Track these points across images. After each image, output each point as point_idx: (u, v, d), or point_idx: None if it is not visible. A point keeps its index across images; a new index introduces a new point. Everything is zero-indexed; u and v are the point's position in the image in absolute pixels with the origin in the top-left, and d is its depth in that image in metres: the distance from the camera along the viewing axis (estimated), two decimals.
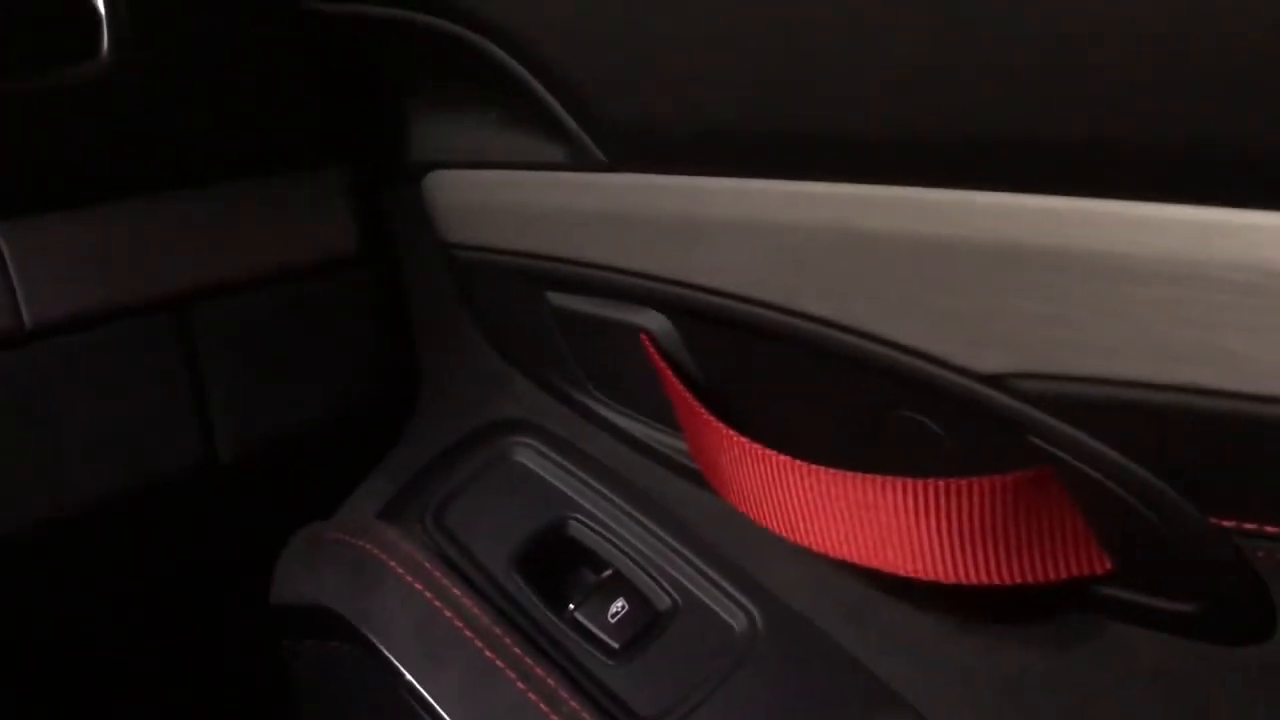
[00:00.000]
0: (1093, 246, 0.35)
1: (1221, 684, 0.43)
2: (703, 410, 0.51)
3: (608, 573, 0.60)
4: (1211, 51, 0.30)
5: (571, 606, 0.58)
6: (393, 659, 0.56)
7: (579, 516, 0.62)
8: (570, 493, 0.63)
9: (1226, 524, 0.37)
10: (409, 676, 0.55)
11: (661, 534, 0.60)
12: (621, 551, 0.60)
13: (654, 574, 0.59)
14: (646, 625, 0.57)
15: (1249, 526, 0.37)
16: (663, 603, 0.58)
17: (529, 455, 0.65)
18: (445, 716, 0.54)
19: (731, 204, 0.46)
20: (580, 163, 0.52)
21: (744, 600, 0.56)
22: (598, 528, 0.61)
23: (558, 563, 0.61)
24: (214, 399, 0.61)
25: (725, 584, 0.57)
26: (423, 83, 0.62)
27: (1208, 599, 0.40)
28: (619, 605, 0.57)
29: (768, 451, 0.47)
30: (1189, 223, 0.32)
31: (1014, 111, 0.35)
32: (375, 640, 0.57)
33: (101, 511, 0.58)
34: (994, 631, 0.50)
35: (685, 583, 0.58)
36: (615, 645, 0.56)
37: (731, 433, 0.49)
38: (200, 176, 0.61)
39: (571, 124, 0.51)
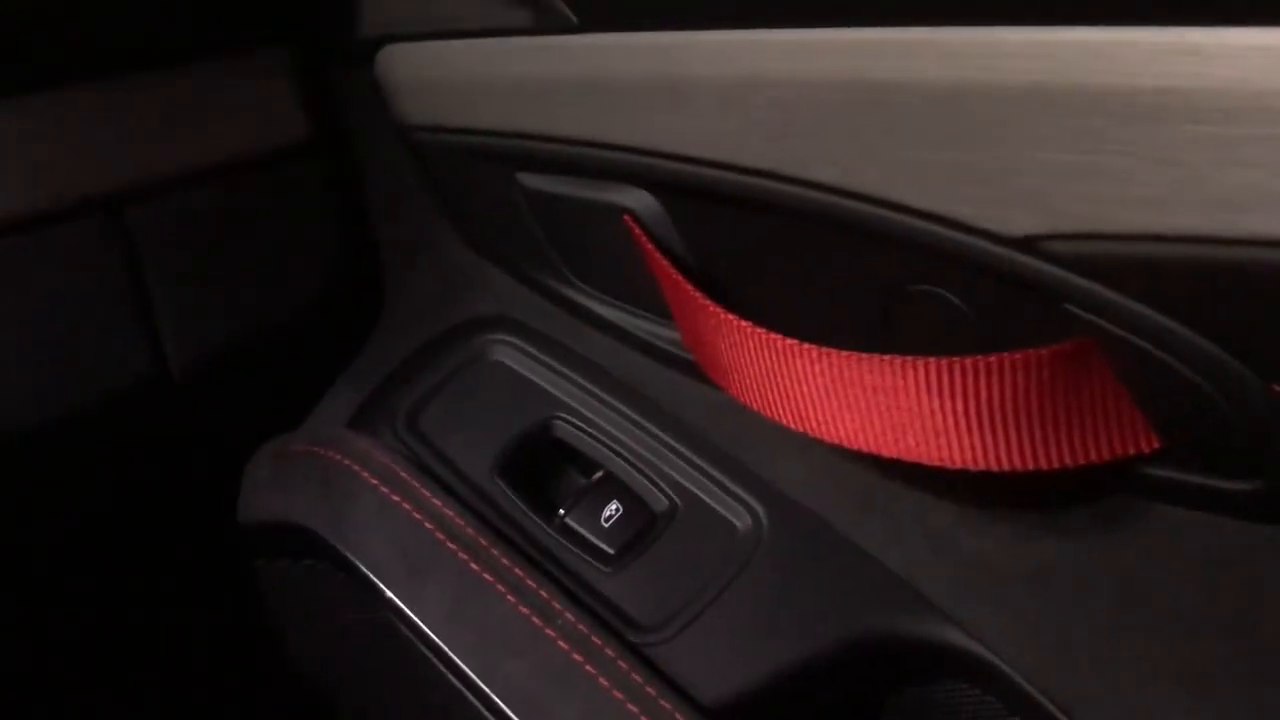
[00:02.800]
0: (1131, 82, 0.31)
1: (1276, 568, 0.39)
2: (698, 294, 0.47)
3: (599, 475, 0.56)
4: None
5: (561, 512, 0.54)
6: (372, 577, 0.53)
7: (565, 416, 0.58)
8: (555, 391, 0.59)
9: None
10: (390, 594, 0.52)
11: (655, 431, 0.56)
12: (613, 451, 0.56)
13: (649, 474, 0.55)
14: (643, 528, 0.53)
15: None
16: (659, 504, 0.54)
17: (508, 353, 0.61)
18: (431, 635, 0.50)
19: (719, 61, 0.41)
20: (546, 24, 0.47)
21: (747, 497, 0.53)
22: (586, 427, 0.57)
23: (545, 466, 0.58)
24: (160, 308, 0.56)
25: (726, 481, 0.54)
26: None
27: (1269, 477, 0.37)
28: (613, 508, 0.54)
29: (772, 335, 0.43)
30: (1243, 47, 0.28)
31: None
32: (352, 557, 0.53)
33: (43, 436, 0.54)
34: (1023, 520, 0.46)
35: (683, 481, 0.54)
36: (610, 551, 0.53)
37: (731, 316, 0.45)
38: (127, 64, 0.55)
39: None
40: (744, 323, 0.44)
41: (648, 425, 0.56)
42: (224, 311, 0.58)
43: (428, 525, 0.52)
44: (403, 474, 0.54)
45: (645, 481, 0.55)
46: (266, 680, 0.69)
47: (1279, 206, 0.30)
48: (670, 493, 0.54)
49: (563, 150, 0.50)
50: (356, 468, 0.55)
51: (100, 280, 0.54)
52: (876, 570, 0.50)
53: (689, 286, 0.47)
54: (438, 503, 0.53)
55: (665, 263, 0.48)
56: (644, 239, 0.50)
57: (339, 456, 0.56)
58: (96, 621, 0.72)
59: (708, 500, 0.54)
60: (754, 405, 0.46)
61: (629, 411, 0.57)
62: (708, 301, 0.46)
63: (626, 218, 0.51)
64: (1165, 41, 0.30)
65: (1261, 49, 0.28)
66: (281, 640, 0.65)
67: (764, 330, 0.43)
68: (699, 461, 0.54)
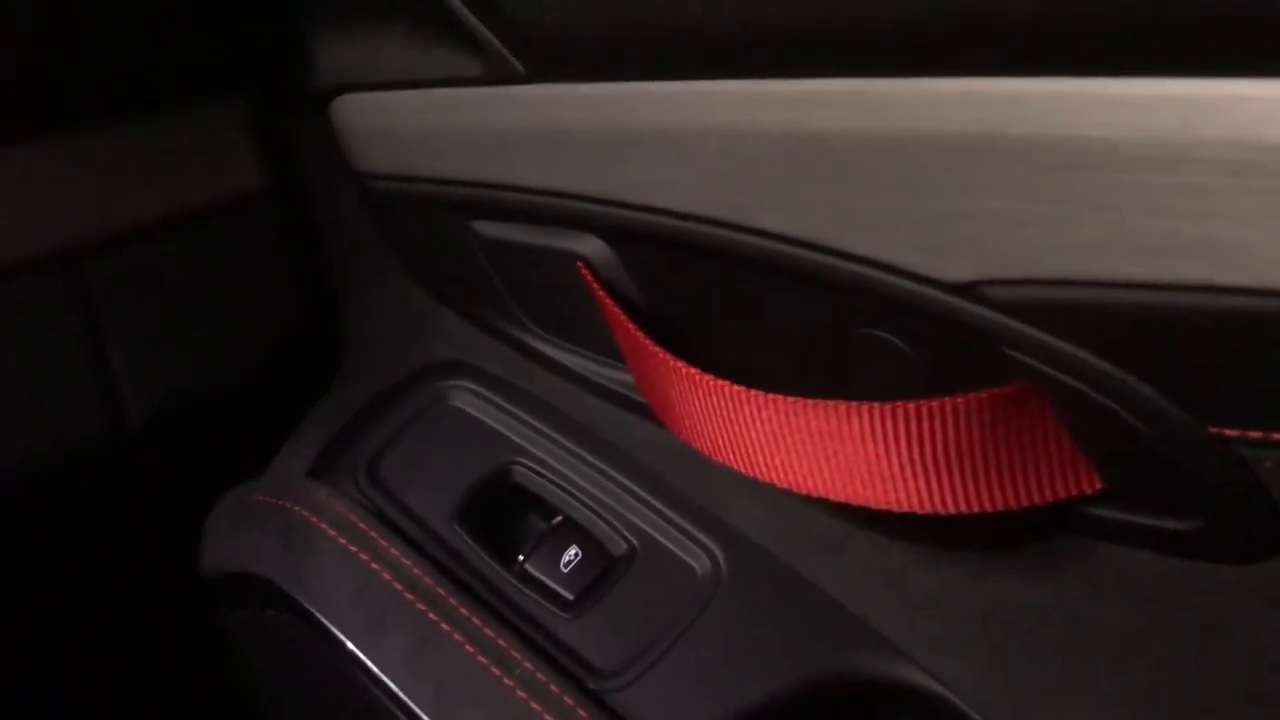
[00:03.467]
0: (1064, 132, 0.31)
1: (1221, 604, 0.40)
2: (648, 341, 0.47)
3: (558, 519, 0.56)
4: None
5: (521, 558, 0.54)
6: (332, 628, 0.52)
7: (524, 461, 0.58)
8: (513, 436, 0.59)
9: (1229, 434, 0.34)
10: (350, 645, 0.52)
11: (613, 474, 0.56)
12: (571, 496, 0.56)
13: (607, 518, 0.55)
14: (602, 573, 0.53)
15: (1253, 435, 0.33)
16: (618, 548, 0.54)
17: (466, 398, 0.61)
18: (391, 685, 0.50)
19: (665, 111, 0.41)
20: (496, 75, 0.47)
21: (705, 540, 0.53)
22: (545, 472, 0.57)
23: (504, 512, 0.58)
24: (117, 360, 0.56)
25: (684, 524, 0.54)
26: None
27: (1208, 515, 0.37)
28: (572, 553, 0.54)
29: (720, 382, 0.43)
30: (1170, 98, 0.29)
31: None
32: (312, 608, 0.53)
33: (7, 486, 0.53)
34: (977, 560, 0.47)
35: (641, 525, 0.55)
36: (570, 596, 0.53)
37: (680, 364, 0.45)
38: (83, 118, 0.55)
39: (483, 31, 0.47)
40: (693, 369, 0.44)
41: (606, 469, 0.56)
42: (182, 362, 0.58)
43: (386, 575, 0.52)
44: (361, 524, 0.54)
45: (604, 525, 0.55)
46: None
47: (1203, 253, 0.30)
48: (629, 536, 0.54)
49: (515, 198, 0.50)
50: (315, 519, 0.55)
51: (57, 334, 0.54)
52: (834, 610, 0.50)
53: (639, 333, 0.47)
54: (396, 552, 0.53)
55: (616, 309, 0.49)
56: (596, 285, 0.50)
57: (298, 507, 0.56)
58: (57, 671, 0.71)
59: (666, 543, 0.54)
60: (705, 451, 0.46)
61: (587, 455, 0.57)
62: (658, 348, 0.46)
63: (580, 264, 0.51)
64: (1090, 92, 0.30)
65: (1181, 100, 0.29)
66: (246, 689, 0.64)
67: (712, 377, 0.44)
68: (657, 504, 0.55)
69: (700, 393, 0.44)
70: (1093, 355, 0.35)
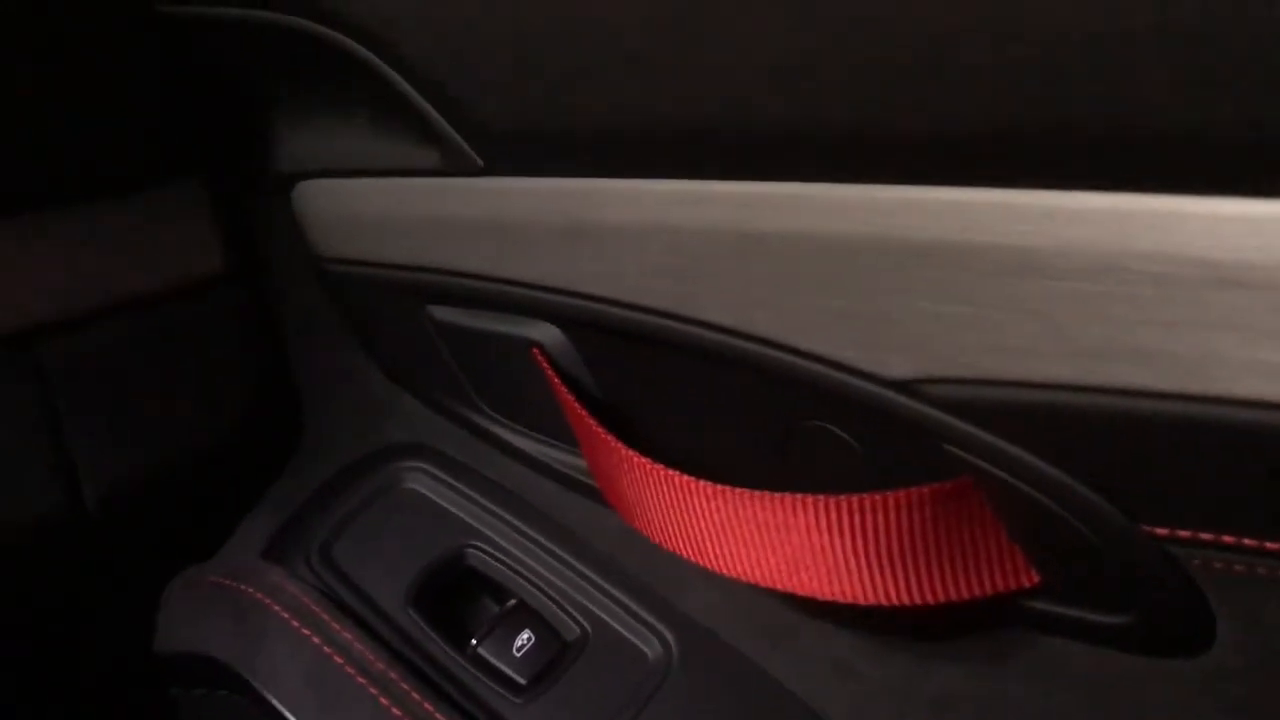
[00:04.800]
0: (1000, 240, 0.32)
1: (1159, 696, 0.40)
2: (600, 429, 0.47)
3: (511, 603, 0.56)
4: (1113, 31, 0.27)
5: (474, 642, 0.54)
6: (283, 710, 0.52)
7: (478, 544, 0.58)
8: (468, 519, 0.59)
9: (1159, 532, 0.35)
10: None
11: (567, 559, 0.56)
12: (525, 580, 0.56)
13: (561, 602, 0.55)
14: (555, 657, 0.54)
15: (1183, 534, 0.34)
16: (571, 632, 0.55)
17: (421, 480, 0.61)
18: None
19: (618, 206, 0.43)
20: (454, 167, 0.48)
21: (657, 625, 0.53)
22: (499, 555, 0.58)
23: (457, 595, 0.58)
24: (74, 441, 0.56)
25: (637, 609, 0.54)
26: (284, 87, 0.57)
27: (1142, 610, 0.38)
28: (525, 638, 0.54)
29: (670, 472, 0.44)
30: (1100, 211, 0.30)
31: (910, 100, 0.32)
32: (264, 691, 0.53)
33: None
34: (921, 650, 0.47)
35: (594, 610, 0.55)
36: (522, 681, 0.53)
37: (631, 453, 0.46)
38: (42, 198, 0.55)
39: (443, 125, 0.48)
40: (643, 459, 0.45)
41: (560, 553, 0.57)
42: (139, 442, 0.58)
43: (338, 659, 0.52)
44: (314, 607, 0.54)
45: (557, 610, 0.55)
46: None
47: (1134, 358, 0.31)
48: (582, 621, 0.55)
49: (471, 285, 0.51)
50: (268, 601, 0.55)
51: (11, 414, 0.54)
52: (784, 698, 0.50)
53: (591, 421, 0.48)
54: (348, 636, 0.53)
55: (570, 397, 0.49)
56: (551, 372, 0.50)
57: (250, 589, 0.56)
58: None
59: (618, 628, 0.54)
60: (655, 538, 0.47)
61: (542, 539, 0.57)
62: (609, 436, 0.47)
63: (534, 351, 0.51)
64: (1028, 203, 0.31)
65: (1112, 213, 0.30)
66: None
67: (662, 466, 0.44)
68: (610, 589, 0.55)
69: (650, 481, 0.45)
70: (1028, 453, 0.36)
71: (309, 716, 0.52)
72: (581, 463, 0.55)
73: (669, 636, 0.53)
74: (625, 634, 0.54)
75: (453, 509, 0.60)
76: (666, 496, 0.44)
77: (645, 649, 0.53)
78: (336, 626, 0.53)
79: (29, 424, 0.55)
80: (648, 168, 0.41)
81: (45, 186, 0.55)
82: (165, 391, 0.59)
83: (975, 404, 0.35)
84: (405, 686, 0.51)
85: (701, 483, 0.43)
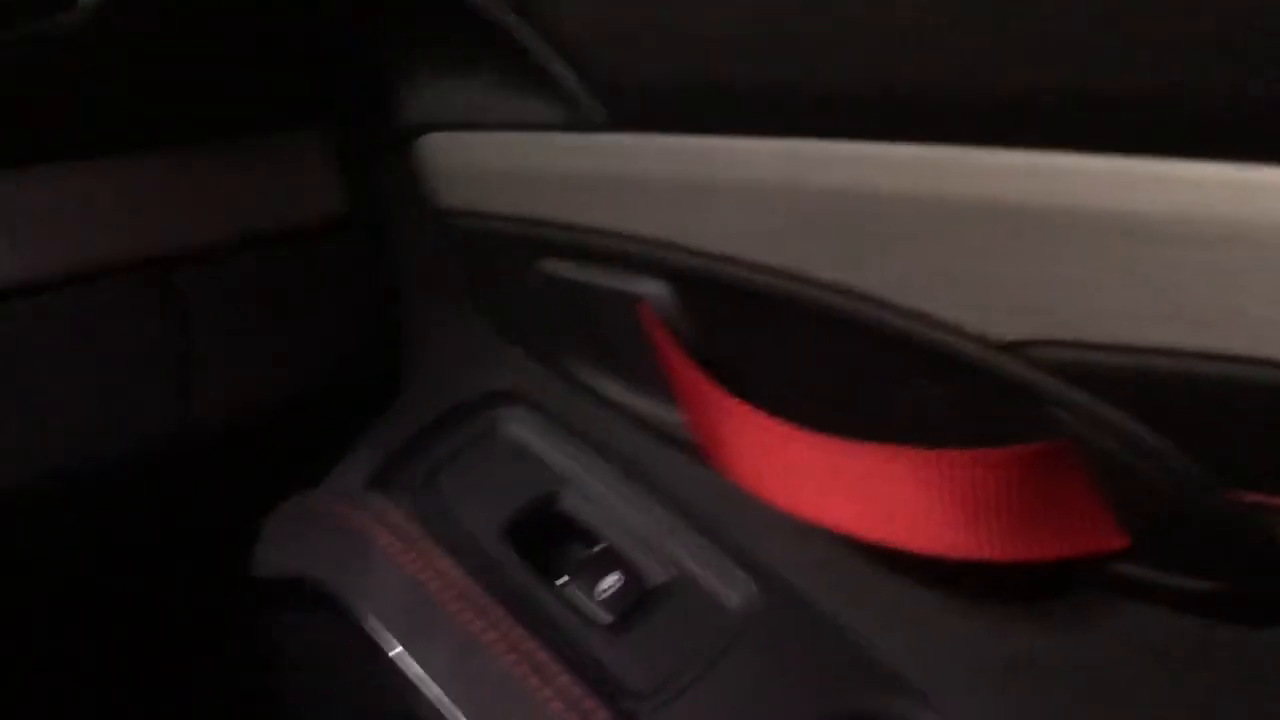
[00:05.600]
0: (1120, 207, 0.33)
1: (1234, 665, 0.42)
2: (703, 379, 0.49)
3: (600, 547, 0.58)
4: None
5: (563, 580, 0.56)
6: (379, 632, 0.55)
7: (571, 490, 0.61)
8: (562, 465, 0.62)
9: (1252, 500, 0.36)
10: (396, 650, 0.54)
11: (655, 507, 0.58)
12: (614, 525, 0.59)
13: (648, 548, 0.58)
14: (639, 600, 0.56)
15: (1275, 501, 0.36)
16: (656, 577, 0.57)
17: (520, 427, 0.64)
18: (433, 688, 0.52)
19: (740, 164, 0.44)
20: (579, 123, 0.51)
21: (740, 576, 0.55)
22: (590, 501, 0.60)
23: (548, 536, 0.60)
24: (197, 364, 0.59)
25: (721, 559, 0.56)
26: (415, 41, 0.60)
27: (1225, 578, 0.39)
28: (611, 580, 0.56)
29: (771, 419, 0.46)
30: (1221, 181, 0.31)
31: (1039, 65, 0.33)
32: (360, 612, 0.56)
33: (79, 476, 0.56)
34: (1001, 610, 0.49)
35: (680, 557, 0.57)
36: (607, 620, 0.55)
37: (734, 401, 0.48)
38: (185, 135, 0.59)
39: (570, 81, 0.50)
40: (746, 407, 0.47)
41: (649, 502, 0.59)
42: (256, 370, 0.61)
43: (435, 584, 0.54)
44: (414, 534, 0.57)
45: (643, 555, 0.57)
46: None
47: (1243, 326, 0.32)
48: (667, 567, 0.57)
49: (586, 239, 0.53)
50: (372, 526, 0.57)
51: (144, 335, 0.57)
52: (859, 653, 0.52)
53: (695, 371, 0.50)
54: (446, 563, 0.55)
55: (675, 349, 0.51)
56: (656, 326, 0.53)
57: (356, 514, 0.58)
58: (102, 666, 0.73)
59: (703, 577, 0.56)
60: (751, 487, 0.49)
61: (631, 488, 0.59)
62: (713, 385, 0.49)
63: (641, 305, 0.54)
64: (1142, 170, 0.33)
65: (1232, 184, 0.31)
66: (284, 692, 0.67)
67: (764, 414, 0.46)
68: (696, 539, 0.57)
69: (750, 429, 0.47)
70: (1128, 417, 0.37)
71: (404, 637, 0.54)
72: (673, 417, 0.58)
73: (751, 588, 0.54)
74: (708, 583, 0.56)
75: (548, 455, 0.62)
76: (766, 444, 0.46)
77: (726, 598, 0.55)
78: (435, 553, 0.56)
79: (159, 345, 0.58)
80: (769, 126, 0.43)
81: (188, 124, 0.59)
82: (283, 325, 0.62)
83: (1079, 367, 0.37)
84: (497, 613, 0.53)
85: (802, 431, 0.45)
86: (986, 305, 0.38)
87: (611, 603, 0.55)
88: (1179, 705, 0.44)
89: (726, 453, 0.50)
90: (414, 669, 0.53)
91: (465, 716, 0.51)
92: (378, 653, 0.55)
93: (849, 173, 0.40)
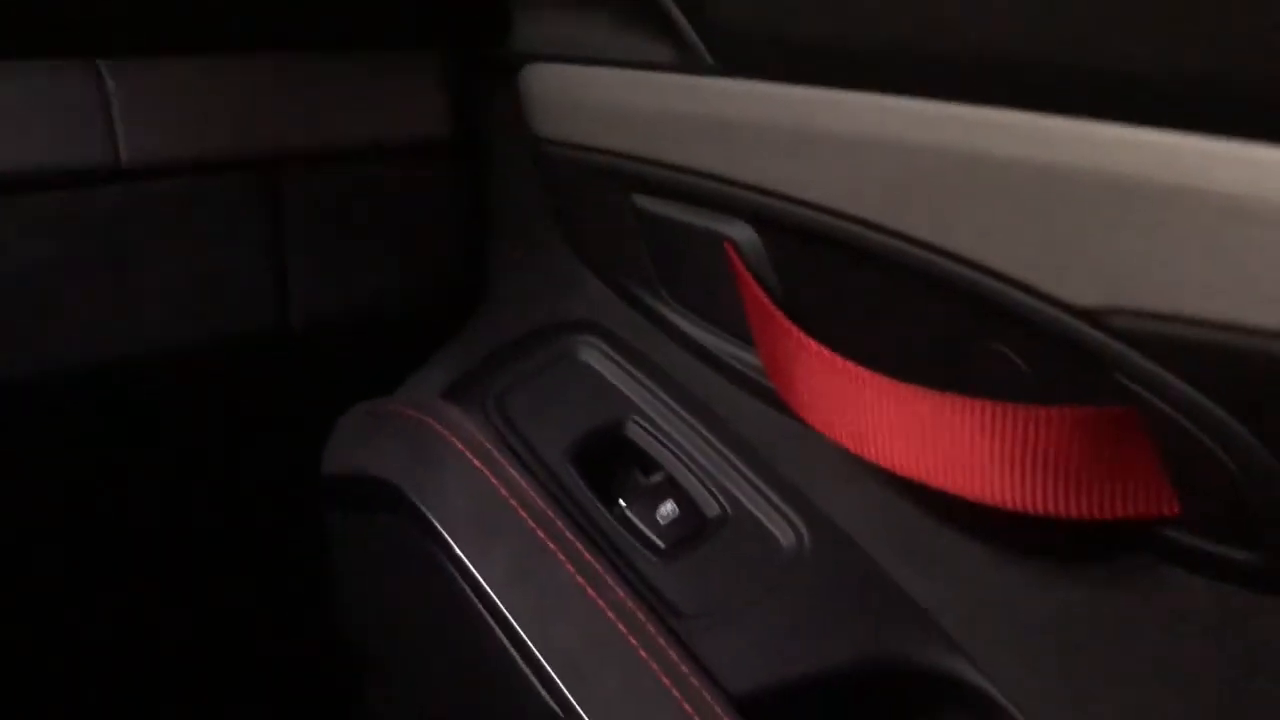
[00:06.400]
0: (1205, 185, 0.35)
1: (1271, 635, 0.43)
2: (783, 318, 0.51)
3: (660, 476, 0.61)
4: None
5: (622, 504, 0.59)
6: (445, 533, 0.57)
7: (637, 418, 0.63)
8: (631, 395, 0.64)
9: None
10: (459, 551, 0.56)
11: (717, 443, 0.61)
12: (676, 456, 0.61)
13: (706, 481, 0.60)
14: (694, 529, 0.58)
15: None
16: (712, 510, 0.59)
17: (593, 355, 0.66)
18: (492, 595, 0.55)
19: (839, 117, 0.46)
20: (688, 65, 0.52)
21: (793, 516, 0.57)
22: (654, 431, 0.62)
23: (612, 461, 0.62)
24: (293, 263, 0.62)
25: (775, 498, 0.58)
26: None
27: (1272, 548, 0.41)
28: (669, 508, 0.58)
29: (845, 362, 0.48)
30: None
31: (1140, 43, 0.35)
32: (429, 514, 0.58)
33: (173, 357, 0.59)
34: (1045, 568, 0.50)
35: (736, 493, 0.59)
36: (662, 545, 0.57)
37: (810, 341, 0.49)
38: (302, 41, 0.61)
39: (684, 24, 0.52)
40: (822, 348, 0.49)
41: (711, 438, 0.61)
42: (347, 278, 0.64)
43: (503, 492, 0.57)
44: (486, 444, 0.59)
45: (702, 488, 0.60)
46: (320, 627, 0.73)
47: None
48: (723, 501, 0.59)
49: (679, 178, 0.55)
50: (445, 432, 0.60)
51: (246, 230, 0.60)
52: (902, 599, 0.54)
53: (776, 310, 0.52)
54: (514, 473, 0.58)
55: (757, 288, 0.53)
56: (741, 266, 0.55)
57: (431, 420, 0.61)
58: (170, 549, 0.77)
59: (757, 513, 0.58)
60: (819, 426, 0.51)
61: (696, 423, 0.62)
62: (792, 325, 0.51)
63: (727, 245, 0.56)
64: (1235, 153, 0.34)
65: None
66: (344, 589, 0.70)
67: (839, 356, 0.48)
68: (754, 477, 0.59)
69: (824, 369, 0.49)
70: (1196, 390, 0.39)
71: (468, 540, 0.57)
72: (747, 357, 0.60)
73: (803, 528, 0.57)
74: (762, 519, 0.58)
75: (618, 384, 0.65)
76: (838, 387, 0.48)
77: (779, 536, 0.57)
78: (504, 463, 0.58)
79: (259, 243, 0.61)
80: (872, 81, 0.44)
81: (308, 31, 0.61)
82: (378, 235, 0.65)
83: (1153, 337, 0.38)
84: (560, 525, 0.56)
85: (875, 375, 0.46)
86: (1070, 271, 0.40)
87: (667, 529, 0.58)
88: (1213, 672, 0.45)
89: (799, 391, 0.52)
90: (474, 573, 0.56)
91: (521, 622, 0.54)
92: (441, 554, 0.57)
93: (946, 133, 0.42)
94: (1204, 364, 0.38)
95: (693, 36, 0.51)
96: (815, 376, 0.50)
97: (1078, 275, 0.40)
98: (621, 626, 0.52)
